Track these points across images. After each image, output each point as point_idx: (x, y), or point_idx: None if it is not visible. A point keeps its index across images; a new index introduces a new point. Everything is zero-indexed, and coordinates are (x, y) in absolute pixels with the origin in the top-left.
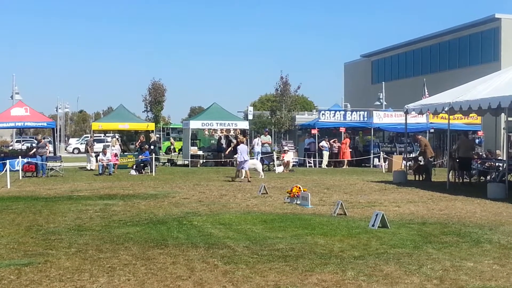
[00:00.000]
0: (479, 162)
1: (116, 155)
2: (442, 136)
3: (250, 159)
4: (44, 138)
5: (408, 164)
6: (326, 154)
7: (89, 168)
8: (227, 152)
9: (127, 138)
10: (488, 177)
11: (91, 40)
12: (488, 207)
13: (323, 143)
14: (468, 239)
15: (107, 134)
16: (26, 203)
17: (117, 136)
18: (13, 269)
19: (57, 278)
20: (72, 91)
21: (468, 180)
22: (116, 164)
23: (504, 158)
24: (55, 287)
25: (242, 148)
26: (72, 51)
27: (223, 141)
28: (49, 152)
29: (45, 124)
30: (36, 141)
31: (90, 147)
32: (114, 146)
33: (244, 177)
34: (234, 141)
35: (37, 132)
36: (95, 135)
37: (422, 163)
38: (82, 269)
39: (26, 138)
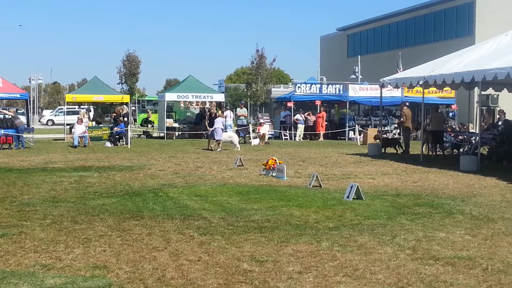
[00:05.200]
0: (452, 135)
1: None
2: (416, 110)
3: (224, 131)
4: (17, 110)
5: (375, 135)
6: (301, 127)
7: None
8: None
9: (101, 110)
10: (461, 150)
11: (64, 11)
12: (460, 179)
13: (298, 116)
14: (441, 210)
15: (81, 106)
16: (0, 174)
17: (85, 109)
18: None
19: (32, 249)
20: (45, 63)
21: (442, 153)
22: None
23: (477, 131)
24: (30, 258)
25: (218, 120)
26: (45, 22)
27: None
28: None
29: (18, 96)
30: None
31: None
32: (83, 118)
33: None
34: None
35: (10, 103)
36: (67, 107)
37: (396, 136)
38: (57, 240)
39: None
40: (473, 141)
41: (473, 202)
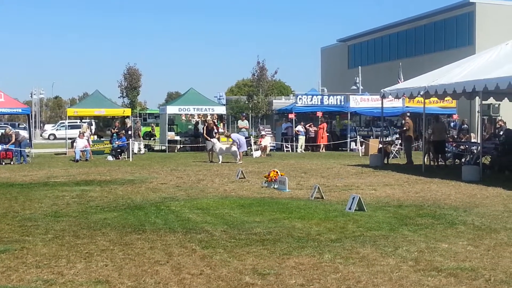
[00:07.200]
0: (454, 145)
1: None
2: (418, 120)
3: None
4: (19, 125)
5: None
6: (302, 138)
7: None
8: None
9: (103, 124)
10: (463, 160)
11: (65, 25)
12: (462, 189)
13: (299, 128)
14: (443, 221)
15: (83, 120)
16: (1, 189)
17: (86, 123)
18: None
19: (34, 265)
20: (47, 77)
21: (444, 163)
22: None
23: (478, 141)
24: (32, 273)
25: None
26: (45, 37)
27: (200, 126)
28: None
29: (19, 110)
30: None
31: (139, 130)
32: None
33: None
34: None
35: (12, 118)
36: (69, 121)
37: (397, 146)
38: (59, 255)
39: (1, 124)
40: (475, 151)
41: (476, 213)
